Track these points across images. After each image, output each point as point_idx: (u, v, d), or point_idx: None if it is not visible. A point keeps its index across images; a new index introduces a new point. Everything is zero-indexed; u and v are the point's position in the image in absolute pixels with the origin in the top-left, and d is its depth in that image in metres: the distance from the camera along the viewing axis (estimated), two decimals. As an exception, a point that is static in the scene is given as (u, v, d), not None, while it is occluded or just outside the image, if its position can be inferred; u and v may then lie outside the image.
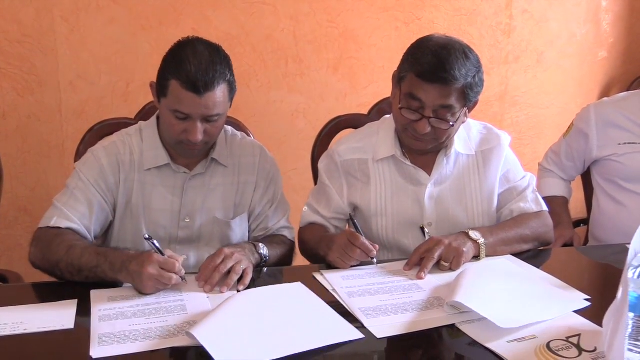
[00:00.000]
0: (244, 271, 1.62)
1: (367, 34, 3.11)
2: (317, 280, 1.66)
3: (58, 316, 1.44)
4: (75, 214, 1.76)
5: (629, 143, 2.23)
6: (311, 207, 2.00)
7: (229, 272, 1.60)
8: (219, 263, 1.60)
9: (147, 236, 1.60)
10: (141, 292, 1.54)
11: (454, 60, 1.70)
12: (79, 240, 1.70)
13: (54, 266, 1.65)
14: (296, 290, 1.56)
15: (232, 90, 1.76)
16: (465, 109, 1.80)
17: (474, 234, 1.75)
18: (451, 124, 1.77)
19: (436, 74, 1.70)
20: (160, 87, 1.72)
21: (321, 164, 2.01)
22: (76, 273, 1.62)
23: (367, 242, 1.69)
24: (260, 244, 1.80)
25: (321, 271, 1.71)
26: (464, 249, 1.70)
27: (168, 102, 1.71)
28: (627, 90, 3.43)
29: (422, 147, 1.84)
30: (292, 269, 1.89)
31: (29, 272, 1.91)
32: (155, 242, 1.59)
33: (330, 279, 1.65)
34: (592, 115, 2.30)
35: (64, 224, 1.74)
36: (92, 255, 1.61)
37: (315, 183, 2.21)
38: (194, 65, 1.65)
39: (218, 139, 1.88)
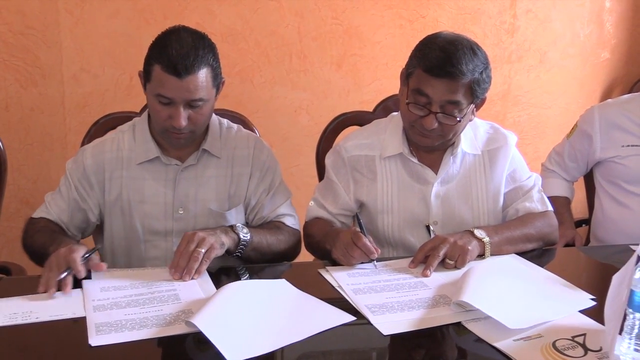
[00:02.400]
0: (206, 251, 1.61)
1: (371, 31, 3.11)
2: (323, 277, 1.66)
3: (67, 305, 1.46)
4: (55, 208, 1.87)
5: (632, 145, 2.23)
6: (317, 202, 2.00)
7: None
8: (182, 249, 1.62)
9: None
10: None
11: (461, 55, 1.71)
12: (49, 225, 1.82)
13: (28, 250, 1.82)
14: (282, 285, 1.58)
15: (216, 76, 1.76)
16: (472, 105, 1.80)
17: (479, 233, 1.75)
18: (458, 119, 1.76)
19: (443, 69, 1.70)
20: (145, 74, 1.75)
21: (328, 160, 2.01)
22: (38, 255, 1.73)
23: (368, 244, 1.68)
24: (239, 225, 1.78)
25: (327, 267, 1.71)
26: (469, 247, 1.70)
27: (152, 87, 1.73)
28: (629, 91, 3.44)
29: (429, 144, 1.84)
30: (297, 265, 1.90)
31: (30, 264, 1.92)
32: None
33: (336, 276, 1.65)
34: (596, 116, 2.30)
35: (41, 215, 1.88)
36: (48, 234, 1.76)
37: (319, 180, 2.22)
38: (175, 49, 1.68)
39: (211, 130, 1.89)
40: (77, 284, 1.55)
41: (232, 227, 1.76)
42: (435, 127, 1.76)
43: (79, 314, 1.42)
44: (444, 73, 1.71)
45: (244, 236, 1.75)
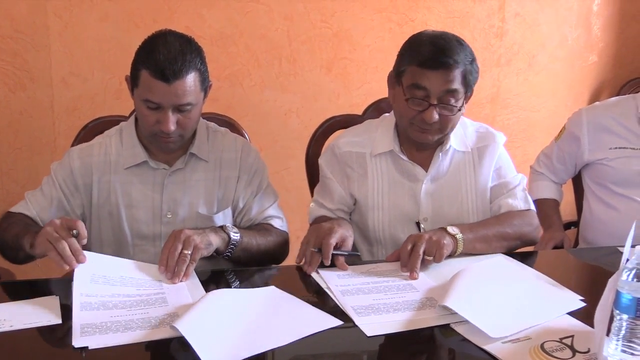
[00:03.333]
0: (192, 250, 1.61)
1: (361, 35, 3.12)
2: (313, 279, 1.67)
3: (42, 312, 1.44)
4: (36, 206, 1.85)
5: (619, 147, 2.25)
6: (317, 203, 2.02)
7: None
8: (169, 246, 1.61)
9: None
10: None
11: (451, 46, 1.77)
12: (24, 220, 1.79)
13: (1, 245, 1.77)
14: (272, 292, 1.58)
15: (204, 80, 1.77)
16: (466, 95, 1.83)
17: (451, 229, 1.76)
18: (457, 108, 1.80)
19: (438, 60, 1.75)
20: (132, 78, 1.75)
21: (321, 159, 2.03)
22: (6, 247, 1.73)
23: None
24: (229, 225, 1.79)
25: (317, 269, 1.70)
26: (444, 242, 1.70)
27: (139, 92, 1.73)
28: (617, 94, 3.47)
29: (429, 140, 1.87)
30: (286, 268, 1.89)
31: (19, 269, 1.91)
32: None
33: (326, 277, 1.65)
34: (584, 119, 2.32)
35: (19, 210, 1.85)
36: (21, 227, 1.73)
37: (309, 182, 2.22)
38: (163, 54, 1.67)
39: (198, 134, 1.89)
40: (55, 291, 1.54)
41: (222, 227, 1.76)
42: (436, 119, 1.79)
43: (54, 321, 1.40)
44: (438, 64, 1.75)
45: (234, 235, 1.75)
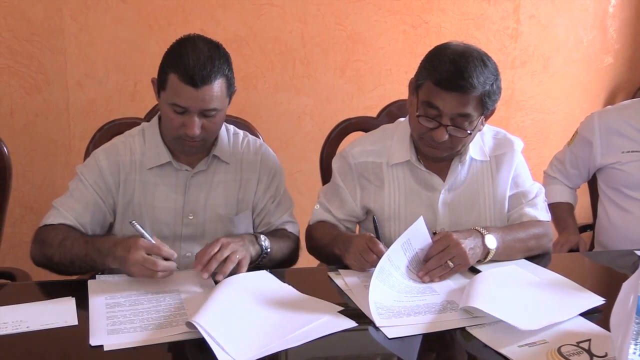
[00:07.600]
0: (239, 261, 1.64)
1: (375, 37, 3.11)
2: (332, 280, 1.68)
3: (58, 313, 1.45)
4: (72, 212, 1.81)
5: (632, 151, 2.23)
6: (323, 206, 1.99)
7: (225, 260, 1.62)
8: (216, 252, 1.62)
9: (132, 221, 1.63)
10: (130, 276, 1.60)
11: (472, 68, 1.69)
12: (71, 233, 1.75)
13: (50, 261, 1.72)
14: (282, 286, 1.62)
15: (230, 86, 1.78)
16: (482, 117, 1.79)
17: (490, 242, 1.73)
18: (468, 132, 1.76)
19: (454, 82, 1.69)
20: (159, 81, 1.76)
21: (335, 165, 2.00)
22: (69, 265, 1.68)
23: (385, 250, 1.65)
24: (262, 236, 1.81)
25: (339, 270, 1.71)
26: (471, 261, 1.68)
27: (167, 96, 1.73)
28: (633, 96, 3.45)
29: (438, 155, 1.84)
30: (302, 270, 1.91)
31: (34, 270, 1.92)
32: (138, 225, 1.62)
33: (348, 279, 1.66)
34: (596, 123, 2.30)
35: (58, 221, 1.79)
36: (82, 245, 1.68)
37: (323, 185, 2.22)
38: (192, 59, 1.68)
39: (220, 136, 1.90)
40: (70, 292, 1.55)
41: (256, 238, 1.79)
42: (445, 139, 1.76)
43: (71, 322, 1.41)
44: (454, 87, 1.69)
45: (266, 248, 1.79)
